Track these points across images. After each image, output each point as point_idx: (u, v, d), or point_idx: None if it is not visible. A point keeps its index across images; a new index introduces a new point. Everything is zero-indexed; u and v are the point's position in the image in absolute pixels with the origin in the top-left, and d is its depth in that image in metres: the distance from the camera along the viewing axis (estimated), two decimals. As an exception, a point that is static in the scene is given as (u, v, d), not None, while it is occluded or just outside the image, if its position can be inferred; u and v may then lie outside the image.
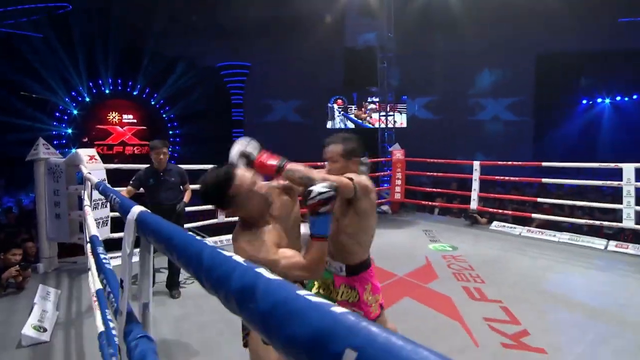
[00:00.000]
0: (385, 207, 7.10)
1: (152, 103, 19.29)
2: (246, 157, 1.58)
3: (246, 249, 1.32)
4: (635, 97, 14.90)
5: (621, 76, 14.40)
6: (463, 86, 16.52)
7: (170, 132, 19.99)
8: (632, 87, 14.71)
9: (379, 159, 8.32)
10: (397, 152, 7.02)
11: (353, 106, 17.57)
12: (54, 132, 16.26)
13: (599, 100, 15.39)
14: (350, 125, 17.63)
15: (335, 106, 17.69)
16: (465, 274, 3.91)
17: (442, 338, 2.71)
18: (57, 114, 16.51)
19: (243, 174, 1.37)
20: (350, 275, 1.85)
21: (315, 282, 1.93)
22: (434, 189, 7.41)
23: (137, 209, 1.04)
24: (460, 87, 16.47)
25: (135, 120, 18.85)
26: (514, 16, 13.09)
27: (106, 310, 1.68)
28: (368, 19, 12.87)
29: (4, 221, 8.04)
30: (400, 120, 15.87)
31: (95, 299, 2.03)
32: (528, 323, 2.88)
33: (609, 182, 5.02)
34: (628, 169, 4.66)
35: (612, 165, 4.86)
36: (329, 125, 17.60)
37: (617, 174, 4.71)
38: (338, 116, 17.69)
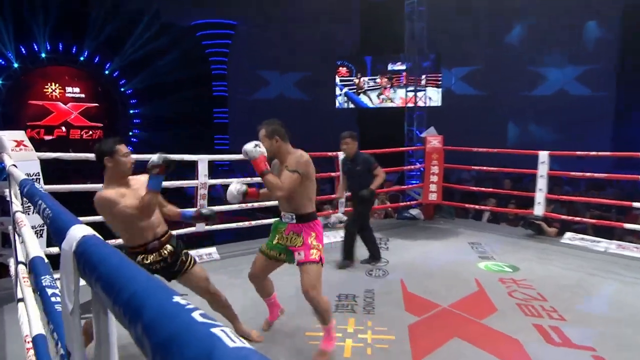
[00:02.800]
0: (415, 212, 7.10)
1: (106, 73, 19.09)
2: (246, 154, 2.82)
3: (106, 193, 2.51)
4: None
5: None
6: (515, 51, 16.19)
7: (130, 112, 19.82)
8: None
9: (404, 149, 8.15)
10: (433, 139, 6.92)
11: (364, 78, 16.91)
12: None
13: None
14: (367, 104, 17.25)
15: (337, 78, 17.18)
16: (535, 306, 3.78)
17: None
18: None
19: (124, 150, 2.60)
20: (299, 222, 2.96)
21: (276, 235, 3.04)
22: (482, 189, 7.21)
23: (78, 231, 0.81)
24: (511, 52, 16.15)
25: (82, 95, 18.72)
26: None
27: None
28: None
29: None
30: (433, 96, 15.50)
31: (30, 346, 1.82)
32: (635, 381, 2.69)
33: None
34: None
35: None
36: (339, 102, 17.23)
37: None
38: (339, 95, 17.18)
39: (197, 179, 4.88)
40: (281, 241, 3.02)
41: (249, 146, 2.78)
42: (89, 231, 0.83)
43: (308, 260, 2.87)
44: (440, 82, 16.27)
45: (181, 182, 5.09)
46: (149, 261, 2.65)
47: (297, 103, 18.52)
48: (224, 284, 3.70)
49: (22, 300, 2.21)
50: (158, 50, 18.21)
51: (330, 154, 6.08)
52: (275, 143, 2.94)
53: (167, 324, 0.44)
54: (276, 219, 3.17)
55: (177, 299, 0.48)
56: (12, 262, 3.26)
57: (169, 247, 2.72)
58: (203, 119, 19.26)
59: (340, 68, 17.16)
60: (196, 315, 0.44)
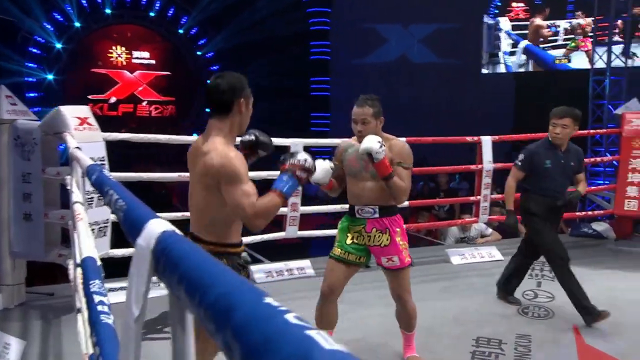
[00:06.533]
0: (601, 227, 6.89)
1: (181, 32, 20.33)
2: (370, 156, 3.07)
3: (228, 152, 2.39)
4: None
5: None
6: None
7: (208, 82, 20.83)
8: None
9: (585, 132, 7.75)
10: (635, 117, 6.63)
11: (544, 22, 14.47)
12: (25, 79, 17.73)
13: None
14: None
15: (504, 23, 15.49)
16: None
17: None
18: (31, 49, 17.91)
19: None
20: (383, 215, 3.29)
21: (348, 234, 3.34)
22: None
23: (157, 226, 0.94)
24: None
25: (153, 61, 20.08)
26: None
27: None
28: None
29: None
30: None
31: (88, 363, 2.06)
32: None
33: None
34: None
35: None
36: (486, 69, 16.17)
37: None
38: (509, 45, 15.40)
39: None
40: (359, 240, 3.33)
41: (374, 144, 3.02)
42: (169, 227, 0.95)
43: (404, 265, 3.34)
44: None
45: (267, 173, 5.10)
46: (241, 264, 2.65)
47: (426, 69, 18.21)
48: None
49: (80, 310, 2.41)
50: (242, 0, 18.81)
51: (469, 139, 6.03)
52: (379, 125, 3.26)
53: (260, 327, 0.52)
54: (345, 215, 3.46)
55: (268, 300, 0.56)
56: (71, 264, 3.62)
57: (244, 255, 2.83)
58: (298, 90, 19.48)
59: (510, 8, 15.10)
60: (290, 317, 0.52)
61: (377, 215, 3.28)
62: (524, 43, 15.07)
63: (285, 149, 5.06)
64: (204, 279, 0.69)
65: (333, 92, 19.55)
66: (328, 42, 20.05)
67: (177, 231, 0.95)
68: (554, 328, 4.21)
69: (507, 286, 4.70)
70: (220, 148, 2.39)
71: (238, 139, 2.64)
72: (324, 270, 3.47)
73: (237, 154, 2.43)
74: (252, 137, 2.73)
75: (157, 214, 3.62)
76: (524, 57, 15.15)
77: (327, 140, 6.49)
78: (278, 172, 2.45)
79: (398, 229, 3.33)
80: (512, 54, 15.30)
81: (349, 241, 3.33)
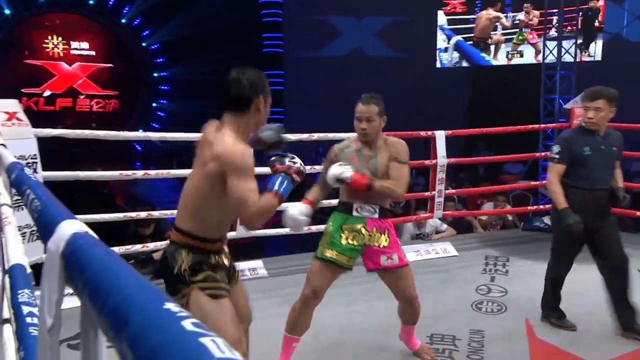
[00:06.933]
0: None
1: (123, 22, 19.97)
2: (341, 181, 3.20)
3: (234, 144, 2.38)
4: None
5: None
6: None
7: (155, 75, 20.62)
8: None
9: (537, 127, 7.94)
10: None
11: (500, 14, 14.58)
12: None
13: None
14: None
15: (440, 17, 15.47)
16: None
17: None
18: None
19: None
20: (382, 217, 3.36)
21: (342, 234, 3.30)
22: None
23: (68, 228, 0.92)
24: None
25: (93, 53, 19.68)
26: None
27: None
28: None
29: None
30: (589, 47, 14.05)
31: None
32: None
33: None
34: None
35: None
36: (443, 60, 16.34)
37: None
38: (444, 40, 15.53)
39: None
40: (356, 240, 3.32)
41: (336, 169, 3.18)
42: (82, 228, 0.92)
43: (404, 264, 3.39)
44: (600, 25, 14.78)
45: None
46: (220, 264, 2.65)
47: (381, 62, 18.33)
48: (267, 314, 3.85)
49: (7, 321, 2.37)
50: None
51: (423, 133, 6.10)
52: (382, 124, 3.39)
53: (153, 334, 0.51)
54: (335, 214, 3.43)
55: (169, 305, 0.56)
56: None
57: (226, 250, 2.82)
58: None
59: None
60: (187, 323, 0.51)
61: (376, 216, 3.33)
62: (455, 39, 15.45)
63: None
64: (106, 284, 0.68)
65: (287, 86, 19.51)
66: (281, 35, 20.00)
67: (91, 233, 0.92)
68: (506, 322, 4.29)
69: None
70: (232, 140, 2.40)
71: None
72: (308, 271, 3.37)
73: (248, 148, 2.44)
74: (276, 138, 2.66)
75: (101, 215, 3.52)
76: (456, 54, 15.60)
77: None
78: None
79: (392, 230, 3.42)
80: (446, 50, 15.75)
81: (344, 242, 3.29)
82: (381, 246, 3.30)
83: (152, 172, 5.46)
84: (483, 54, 15.18)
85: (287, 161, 2.52)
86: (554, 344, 3.93)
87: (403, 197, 3.52)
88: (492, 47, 14.83)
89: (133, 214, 5.01)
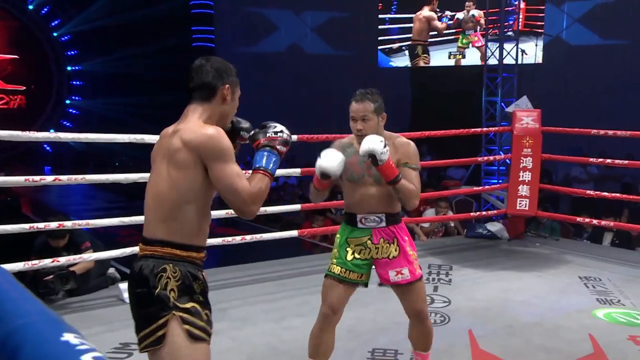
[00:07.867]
0: (495, 227, 7.18)
1: (30, 8, 19.37)
2: (373, 158, 2.96)
3: (202, 126, 2.31)
4: None
5: None
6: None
7: (67, 69, 20.11)
8: None
9: (479, 130, 8.12)
10: (525, 116, 6.92)
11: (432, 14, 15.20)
12: None
13: None
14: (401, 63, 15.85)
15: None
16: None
17: None
18: None
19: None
20: (389, 223, 3.26)
21: (348, 249, 3.27)
22: (606, 194, 7.01)
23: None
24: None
25: (-6, 43, 19.01)
26: None
27: None
28: None
29: None
30: (529, 49, 14.63)
31: None
32: None
33: None
34: None
35: None
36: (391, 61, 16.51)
37: None
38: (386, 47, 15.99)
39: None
40: (363, 255, 3.27)
41: (376, 144, 2.96)
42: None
43: (416, 278, 3.26)
44: (541, 28, 15.49)
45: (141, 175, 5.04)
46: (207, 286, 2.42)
47: (320, 60, 18.45)
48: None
49: None
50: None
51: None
52: (381, 122, 3.27)
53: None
54: (342, 225, 3.41)
55: (67, 337, 0.52)
56: None
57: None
58: (177, 82, 19.10)
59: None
60: (87, 358, 0.47)
61: (383, 224, 3.24)
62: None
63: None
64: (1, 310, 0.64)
65: (220, 83, 19.41)
66: (212, 28, 19.87)
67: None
68: (449, 334, 4.38)
69: None
70: (199, 123, 2.32)
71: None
72: (321, 290, 3.31)
73: (219, 129, 2.32)
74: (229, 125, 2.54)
75: (3, 226, 3.39)
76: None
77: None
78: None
79: (406, 238, 3.32)
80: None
81: (349, 257, 3.25)
82: (391, 257, 3.23)
83: (64, 178, 5.23)
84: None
85: (270, 133, 2.40)
86: (497, 355, 4.01)
87: (415, 207, 3.35)
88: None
89: (41, 225, 4.84)
